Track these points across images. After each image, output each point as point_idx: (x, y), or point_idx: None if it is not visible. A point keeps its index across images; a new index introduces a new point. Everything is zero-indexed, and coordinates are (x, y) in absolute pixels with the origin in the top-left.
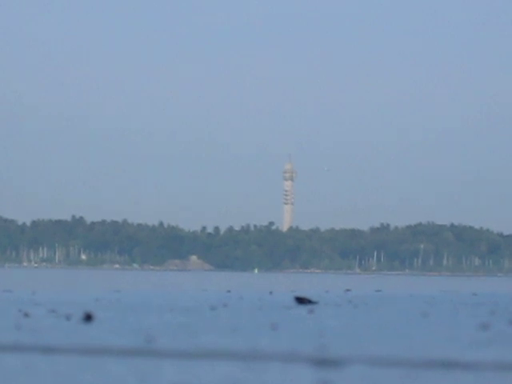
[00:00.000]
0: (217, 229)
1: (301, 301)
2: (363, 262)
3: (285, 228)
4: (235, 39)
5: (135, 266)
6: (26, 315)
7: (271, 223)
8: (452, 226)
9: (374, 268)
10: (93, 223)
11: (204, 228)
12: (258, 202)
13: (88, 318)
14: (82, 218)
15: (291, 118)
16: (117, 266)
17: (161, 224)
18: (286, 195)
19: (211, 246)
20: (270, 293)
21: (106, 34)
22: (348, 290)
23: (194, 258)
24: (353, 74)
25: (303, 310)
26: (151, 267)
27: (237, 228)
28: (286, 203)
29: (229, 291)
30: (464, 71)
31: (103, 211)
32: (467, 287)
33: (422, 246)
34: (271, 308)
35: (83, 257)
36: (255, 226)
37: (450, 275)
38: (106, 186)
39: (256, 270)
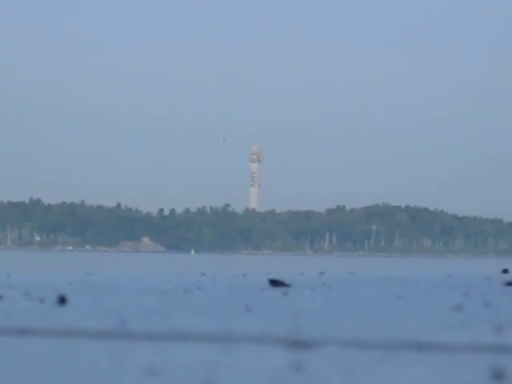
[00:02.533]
0: (172, 211)
1: (275, 283)
2: (315, 244)
3: (251, 209)
4: (202, 18)
5: (88, 247)
6: (0, 298)
7: (227, 205)
8: (407, 207)
9: (325, 249)
10: (50, 205)
11: (161, 210)
12: (225, 183)
13: (62, 300)
14: (39, 200)
15: (258, 101)
16: (69, 247)
17: (118, 206)
18: (253, 177)
19: (164, 227)
20: (244, 275)
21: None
22: (322, 273)
23: (146, 239)
24: (322, 56)
25: (277, 292)
26: (104, 249)
27: (193, 210)
28: (252, 185)
29: (203, 274)
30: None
31: (62, 193)
32: (416, 268)
33: (374, 228)
34: (245, 290)
35: (37, 238)
36: (211, 207)
37: (400, 256)
38: (65, 168)
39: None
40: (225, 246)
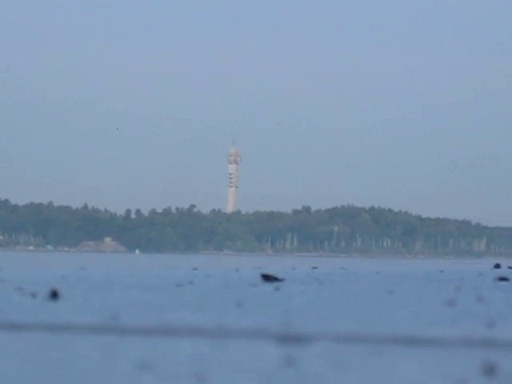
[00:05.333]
0: (138, 211)
1: (267, 278)
2: (277, 244)
3: (229, 210)
4: (181, 17)
5: (49, 247)
6: None
7: (193, 206)
8: (371, 208)
9: (286, 250)
10: (16, 205)
11: (128, 210)
12: (203, 185)
13: (54, 295)
14: (7, 200)
15: (236, 101)
16: (31, 247)
17: (85, 207)
18: (231, 178)
19: (127, 228)
20: (237, 270)
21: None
22: (314, 268)
23: (108, 239)
24: (299, 61)
25: (269, 287)
26: (65, 249)
27: (159, 211)
28: (230, 186)
29: (195, 269)
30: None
31: (32, 194)
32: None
33: (335, 229)
34: (237, 285)
35: (0, 237)
36: (177, 208)
37: (359, 257)
38: (35, 168)
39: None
40: (187, 246)
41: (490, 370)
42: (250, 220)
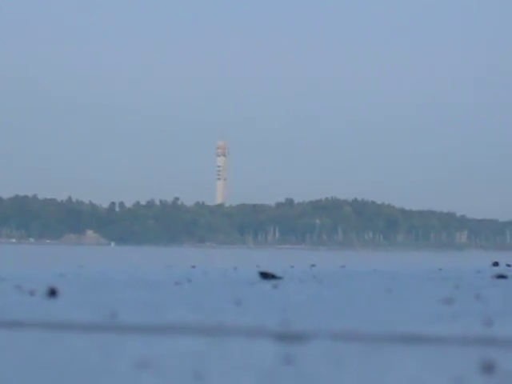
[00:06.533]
0: (122, 204)
1: (265, 276)
2: (259, 237)
3: (218, 202)
4: (165, 10)
5: (31, 240)
6: None
7: (176, 198)
8: (354, 201)
9: (268, 243)
10: (0, 198)
11: (113, 203)
12: (191, 177)
13: (52, 293)
14: None
15: (224, 94)
16: (13, 240)
17: (69, 199)
18: (219, 171)
19: (110, 220)
20: (235, 268)
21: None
22: (313, 266)
23: (90, 232)
24: (289, 49)
25: (267, 285)
26: (47, 241)
27: (142, 203)
28: (218, 179)
29: (193, 266)
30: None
31: (17, 187)
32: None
33: (317, 221)
34: (235, 283)
35: None
36: (160, 200)
37: (339, 249)
38: (20, 161)
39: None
40: (169, 239)
41: (488, 368)
42: (233, 213)
